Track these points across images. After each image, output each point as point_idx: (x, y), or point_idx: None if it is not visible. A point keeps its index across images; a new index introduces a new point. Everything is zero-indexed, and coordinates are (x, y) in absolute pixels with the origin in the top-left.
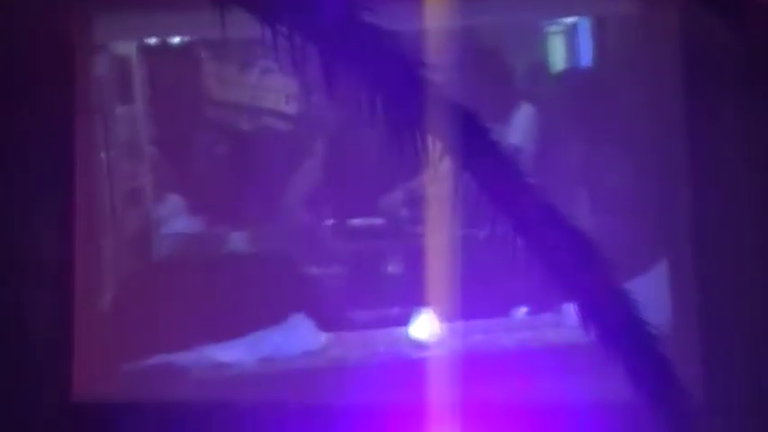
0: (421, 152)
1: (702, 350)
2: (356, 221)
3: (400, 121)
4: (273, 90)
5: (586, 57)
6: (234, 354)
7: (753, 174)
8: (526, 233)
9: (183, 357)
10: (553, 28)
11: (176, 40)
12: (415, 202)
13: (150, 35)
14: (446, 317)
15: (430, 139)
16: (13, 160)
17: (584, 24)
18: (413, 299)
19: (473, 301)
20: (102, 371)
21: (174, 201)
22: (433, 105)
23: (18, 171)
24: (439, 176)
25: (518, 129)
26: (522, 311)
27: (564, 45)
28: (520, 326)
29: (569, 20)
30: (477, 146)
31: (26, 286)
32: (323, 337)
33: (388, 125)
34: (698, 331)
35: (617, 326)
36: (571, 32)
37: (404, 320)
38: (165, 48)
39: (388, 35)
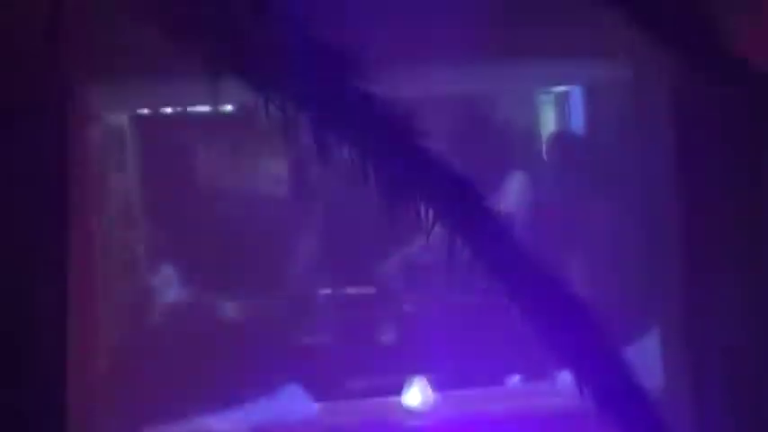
0: (415, 219)
1: (694, 415)
2: (350, 290)
3: (394, 187)
4: (263, 171)
5: (578, 123)
6: (227, 424)
7: (745, 236)
8: (521, 299)
9: (176, 428)
10: (545, 96)
11: (169, 110)
12: (409, 270)
13: (143, 106)
14: (440, 385)
15: (423, 206)
16: (7, 229)
17: (576, 92)
18: (406, 367)
19: (467, 369)
20: None
21: (168, 270)
22: (426, 172)
23: (12, 240)
24: (432, 244)
25: (511, 195)
26: (515, 380)
27: (556, 112)
28: (514, 394)
29: (561, 88)
30: (470, 212)
31: (23, 355)
32: (316, 407)
33: (381, 192)
34: (690, 396)
35: (613, 389)
36: (563, 100)
37: (398, 389)
38: (158, 117)
39: (381, 102)
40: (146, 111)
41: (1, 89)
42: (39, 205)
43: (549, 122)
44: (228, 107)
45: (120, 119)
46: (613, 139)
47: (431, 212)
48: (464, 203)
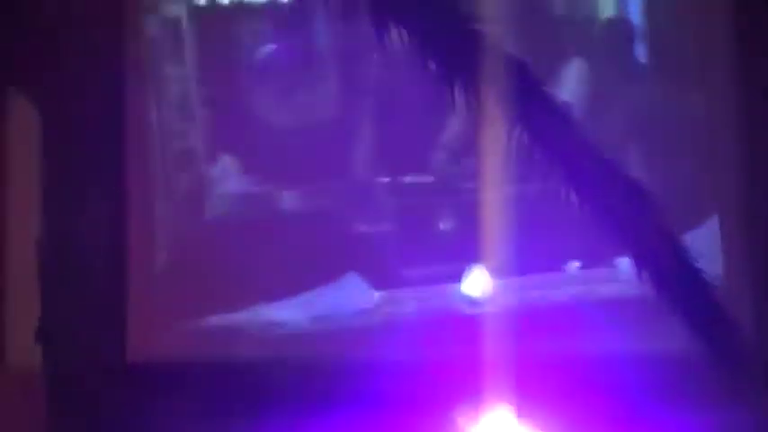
0: (473, 105)
1: (753, 303)
2: (407, 178)
3: (452, 73)
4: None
5: (637, 12)
6: (288, 313)
7: None
8: (580, 186)
9: (236, 317)
10: None
11: (226, 1)
12: (467, 157)
13: None
14: (499, 273)
15: (482, 92)
16: (67, 119)
17: None
18: (465, 255)
19: (526, 256)
20: (157, 331)
21: (226, 161)
22: (485, 58)
23: (71, 130)
24: (491, 130)
25: (569, 84)
26: (574, 266)
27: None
28: (573, 280)
29: None
30: (530, 98)
31: (82, 246)
32: (376, 295)
33: (440, 78)
34: (749, 284)
35: (672, 274)
36: None
37: (457, 277)
38: (214, 9)
39: None
40: (202, 1)
41: None
42: (94, 94)
43: (607, 8)
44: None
45: (178, 9)
46: (671, 25)
47: (490, 97)
48: (523, 87)
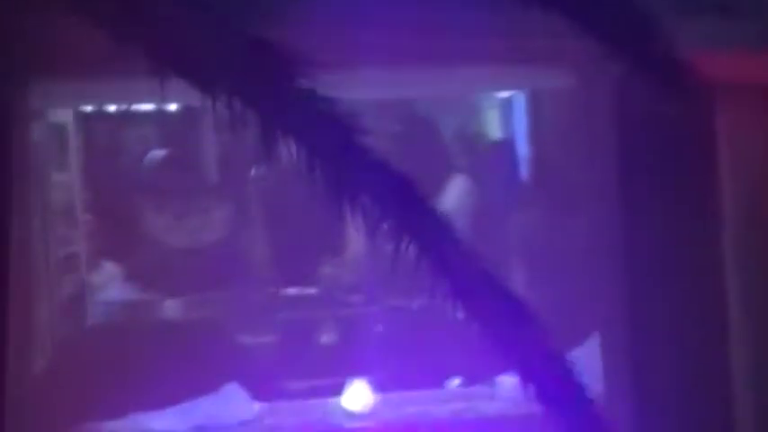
0: (358, 219)
1: (635, 421)
2: (290, 290)
3: (339, 185)
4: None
5: (521, 129)
6: (167, 422)
7: (685, 249)
8: (465, 300)
9: (115, 425)
10: (488, 101)
11: (113, 108)
12: (351, 272)
13: (87, 103)
14: (379, 387)
15: (368, 205)
16: None
17: (520, 98)
18: (346, 369)
19: (406, 371)
20: None
21: (109, 268)
22: (371, 171)
23: None
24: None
25: (451, 200)
26: (455, 383)
27: (499, 118)
28: (453, 397)
29: (505, 94)
30: (414, 211)
31: None
32: (256, 407)
33: (326, 190)
34: (630, 402)
35: (557, 390)
36: (506, 106)
37: (337, 390)
38: (101, 115)
39: (326, 101)
40: (89, 108)
41: None
42: None
43: (492, 128)
44: (173, 106)
45: (64, 116)
46: (556, 146)
47: (376, 212)
48: (408, 203)
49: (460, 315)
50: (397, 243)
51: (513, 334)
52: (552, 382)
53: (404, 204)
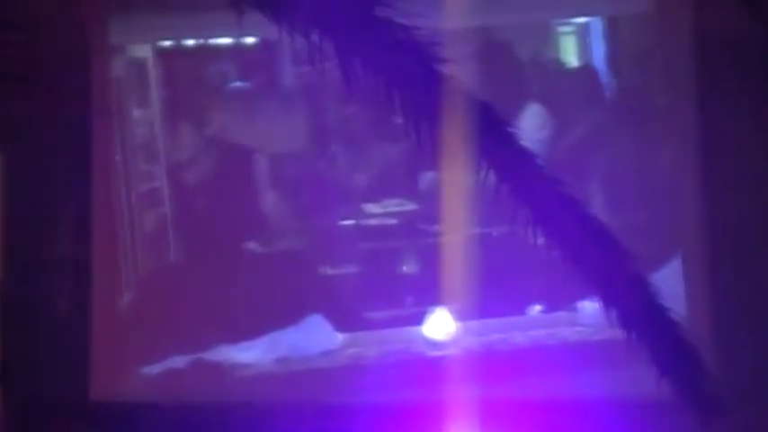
0: (439, 146)
1: (715, 343)
2: (372, 221)
3: (418, 114)
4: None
5: (599, 55)
6: (251, 354)
7: (765, 169)
8: (547, 226)
9: (200, 358)
10: (565, 28)
11: (191, 42)
12: (431, 200)
13: (166, 38)
14: (461, 315)
15: (448, 132)
16: (32, 161)
17: (597, 24)
18: (428, 298)
19: (488, 299)
20: (120, 370)
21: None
22: (450, 98)
23: (36, 172)
24: (456, 171)
25: (528, 128)
26: (536, 310)
27: (576, 44)
28: (535, 324)
29: (582, 20)
30: (495, 138)
31: (45, 286)
32: (339, 337)
33: (405, 118)
34: (712, 325)
35: (640, 314)
36: (583, 32)
37: (419, 320)
38: (180, 50)
39: (404, 30)
40: (169, 43)
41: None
42: (62, 137)
43: (569, 54)
44: (251, 39)
45: (144, 51)
46: (634, 71)
47: (456, 138)
48: (488, 129)
49: (541, 241)
50: (477, 170)
51: (595, 258)
52: (635, 306)
53: (483, 132)
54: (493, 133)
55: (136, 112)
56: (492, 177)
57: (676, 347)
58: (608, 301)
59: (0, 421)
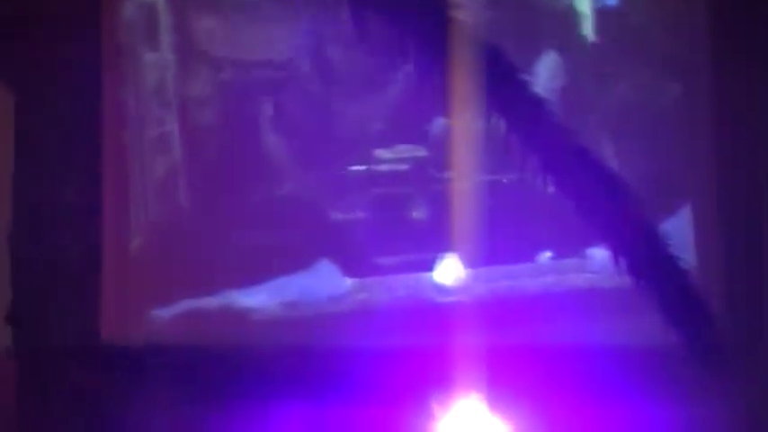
0: (449, 92)
1: (726, 292)
2: (381, 167)
3: (429, 61)
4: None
5: (612, 2)
6: (259, 298)
7: None
8: (557, 174)
9: (208, 302)
10: None
11: None
12: (441, 146)
13: None
14: (470, 262)
15: (458, 79)
16: (41, 103)
17: None
18: (437, 244)
19: (498, 246)
20: (130, 314)
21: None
22: (461, 45)
23: (46, 114)
24: (466, 118)
25: (543, 75)
26: (546, 256)
27: None
28: (544, 270)
29: None
30: (506, 85)
31: (55, 229)
32: (348, 282)
33: (417, 64)
34: (722, 273)
35: (649, 262)
36: None
37: (428, 265)
38: None
39: None
40: None
41: None
42: (71, 79)
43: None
44: None
45: None
46: (647, 17)
47: (467, 85)
48: (500, 75)
49: (551, 189)
50: (489, 117)
51: (605, 207)
52: (644, 255)
53: (494, 79)
54: (504, 80)
55: (148, 56)
56: (503, 124)
57: (685, 296)
58: (617, 249)
59: (12, 365)
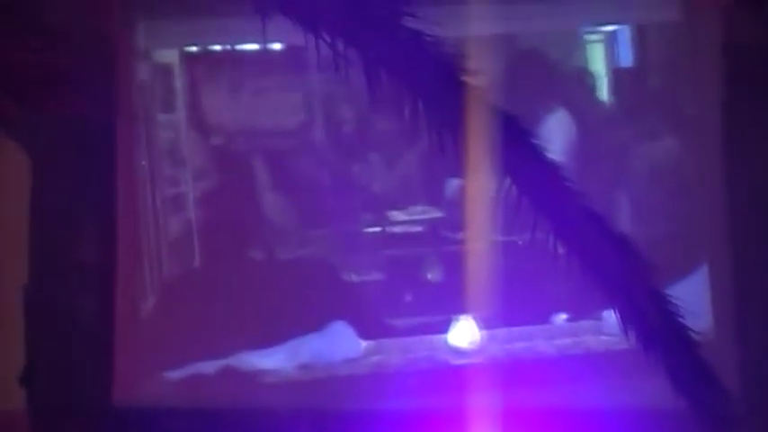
0: (462, 156)
1: (740, 358)
2: (396, 228)
3: (441, 124)
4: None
5: (626, 63)
6: (274, 360)
7: None
8: (567, 238)
9: (222, 364)
10: (593, 36)
11: (217, 48)
12: (455, 208)
13: (192, 43)
14: (486, 323)
15: (471, 143)
16: (56, 164)
17: (625, 32)
18: (452, 306)
19: (513, 307)
20: (143, 376)
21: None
22: (474, 109)
23: (61, 175)
24: (479, 181)
25: (553, 134)
26: (561, 318)
27: (604, 52)
28: (559, 332)
29: (609, 27)
30: (518, 149)
31: (68, 290)
32: (363, 345)
33: (429, 129)
34: (737, 337)
35: (658, 330)
36: (611, 40)
37: (443, 327)
38: (206, 55)
39: (429, 40)
40: (195, 48)
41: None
42: (86, 139)
43: (597, 62)
44: (277, 45)
45: (170, 56)
46: (661, 79)
47: (479, 148)
48: (512, 140)
49: (562, 252)
50: (500, 181)
51: (615, 272)
52: (653, 322)
53: (506, 143)
54: (516, 145)
55: (161, 117)
56: (515, 186)
57: (694, 368)
58: (626, 316)
59: (24, 424)
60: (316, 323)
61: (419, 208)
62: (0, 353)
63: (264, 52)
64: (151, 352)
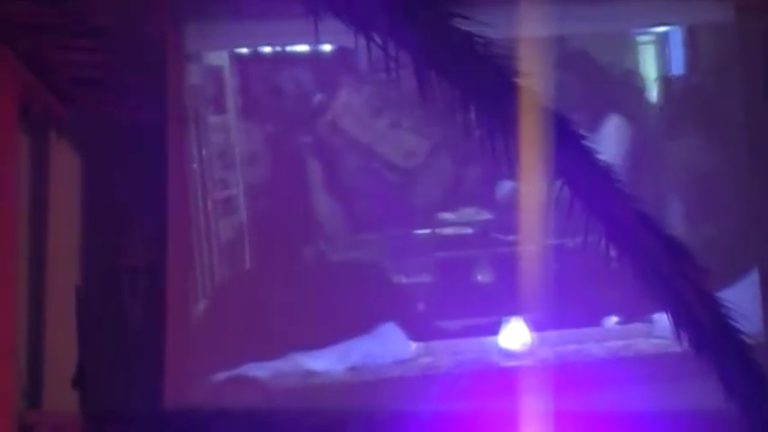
0: (514, 158)
1: None
2: (446, 230)
3: (494, 127)
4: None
5: (678, 65)
6: (324, 362)
7: None
8: (619, 240)
9: (274, 365)
10: (645, 37)
11: (268, 49)
12: (506, 210)
13: (242, 45)
14: (536, 326)
15: (523, 145)
16: (107, 169)
17: (676, 33)
18: (503, 308)
19: (563, 310)
20: (194, 378)
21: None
22: (526, 111)
23: (113, 177)
24: (531, 183)
25: (608, 139)
26: (612, 321)
27: (656, 54)
28: (610, 335)
29: (661, 29)
30: (570, 152)
31: (120, 293)
32: (413, 347)
33: (481, 131)
34: None
35: (710, 334)
36: (663, 41)
37: (494, 329)
38: (256, 57)
39: (481, 42)
40: (245, 50)
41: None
42: (136, 144)
43: (648, 64)
44: (328, 47)
45: (220, 58)
46: (711, 82)
47: (532, 151)
48: (565, 143)
49: (614, 254)
50: (553, 183)
51: (667, 274)
52: (705, 325)
53: (558, 145)
54: (568, 147)
55: (212, 119)
56: (567, 189)
57: (745, 371)
58: (678, 319)
59: (77, 425)
60: (366, 325)
61: (470, 210)
62: (54, 354)
63: (315, 53)
64: (202, 355)
